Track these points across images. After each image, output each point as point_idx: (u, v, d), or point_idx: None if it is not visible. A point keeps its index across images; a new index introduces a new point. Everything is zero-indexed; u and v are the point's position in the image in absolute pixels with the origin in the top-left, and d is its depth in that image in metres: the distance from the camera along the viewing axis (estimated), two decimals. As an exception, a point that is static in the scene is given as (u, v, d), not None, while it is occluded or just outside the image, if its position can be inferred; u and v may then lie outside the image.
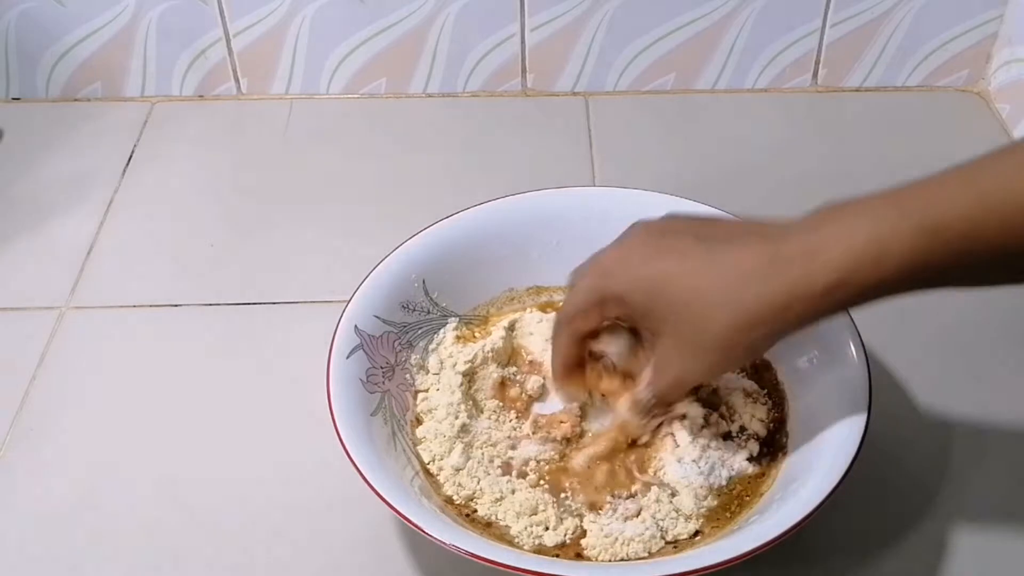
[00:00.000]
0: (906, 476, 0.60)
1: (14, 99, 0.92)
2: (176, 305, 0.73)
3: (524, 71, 0.90)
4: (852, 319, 0.58)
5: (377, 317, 0.60)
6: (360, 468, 0.51)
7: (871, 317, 0.54)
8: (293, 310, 0.72)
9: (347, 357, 0.58)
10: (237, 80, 0.91)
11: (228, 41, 0.88)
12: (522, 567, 0.48)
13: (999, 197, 0.44)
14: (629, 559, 0.53)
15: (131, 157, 0.86)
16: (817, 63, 0.90)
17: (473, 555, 0.48)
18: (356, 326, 0.59)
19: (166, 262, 0.76)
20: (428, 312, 0.63)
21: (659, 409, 0.57)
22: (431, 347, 0.63)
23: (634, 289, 0.51)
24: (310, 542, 0.58)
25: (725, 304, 0.48)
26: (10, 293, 0.74)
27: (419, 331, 0.63)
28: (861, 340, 0.57)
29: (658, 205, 0.65)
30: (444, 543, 0.49)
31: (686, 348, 0.51)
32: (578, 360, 0.57)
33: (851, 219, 0.46)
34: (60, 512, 0.60)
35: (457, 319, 0.65)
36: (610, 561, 0.53)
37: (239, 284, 0.74)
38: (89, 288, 0.74)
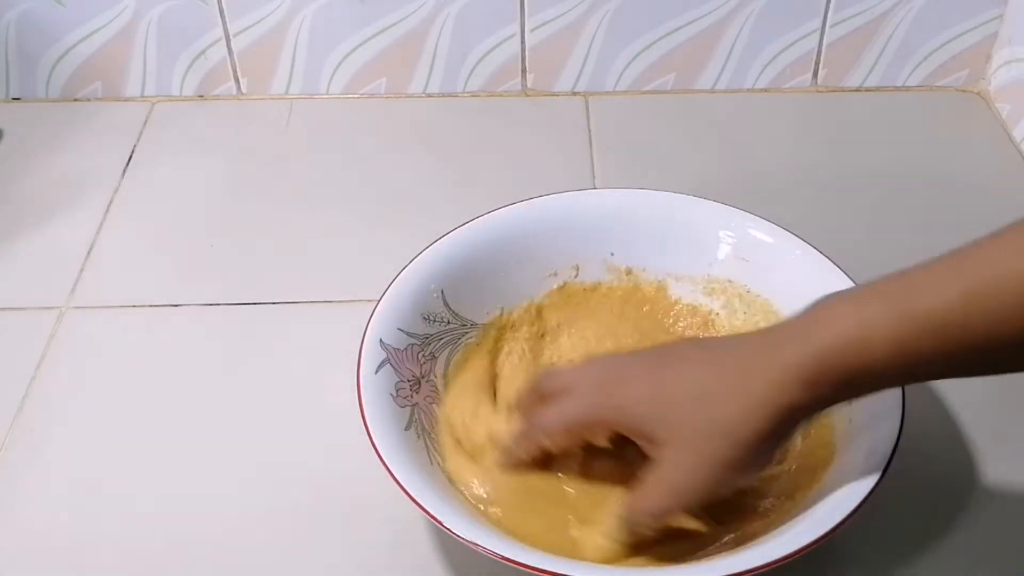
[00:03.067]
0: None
1: (14, 99, 0.92)
2: (176, 305, 0.73)
3: (524, 71, 0.90)
4: None
5: (401, 330, 0.60)
6: (407, 489, 0.51)
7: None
8: (293, 310, 0.72)
9: (376, 372, 0.57)
10: (237, 80, 0.91)
11: (228, 41, 0.88)
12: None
13: (983, 287, 0.44)
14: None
15: (131, 157, 0.86)
16: (817, 63, 0.90)
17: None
18: (381, 340, 0.58)
19: (166, 262, 0.76)
20: (448, 323, 0.63)
21: (652, 525, 0.53)
22: (453, 358, 0.63)
23: (638, 401, 0.51)
24: (311, 542, 0.58)
25: (733, 396, 0.48)
26: (10, 293, 0.74)
27: (441, 342, 0.62)
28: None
29: (677, 206, 0.66)
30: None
31: (697, 448, 0.50)
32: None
33: (840, 306, 0.47)
34: (60, 512, 0.60)
35: (478, 328, 0.64)
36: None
37: (239, 284, 0.74)
38: (89, 288, 0.74)
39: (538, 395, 0.56)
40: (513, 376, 0.63)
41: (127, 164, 0.85)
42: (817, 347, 0.47)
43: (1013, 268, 0.43)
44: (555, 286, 0.67)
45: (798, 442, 0.58)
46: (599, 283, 0.67)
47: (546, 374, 0.58)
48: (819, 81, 0.91)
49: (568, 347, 0.65)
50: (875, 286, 0.47)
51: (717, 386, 0.49)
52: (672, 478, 0.50)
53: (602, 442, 0.56)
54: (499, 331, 0.65)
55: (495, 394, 0.62)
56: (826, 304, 0.48)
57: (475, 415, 0.59)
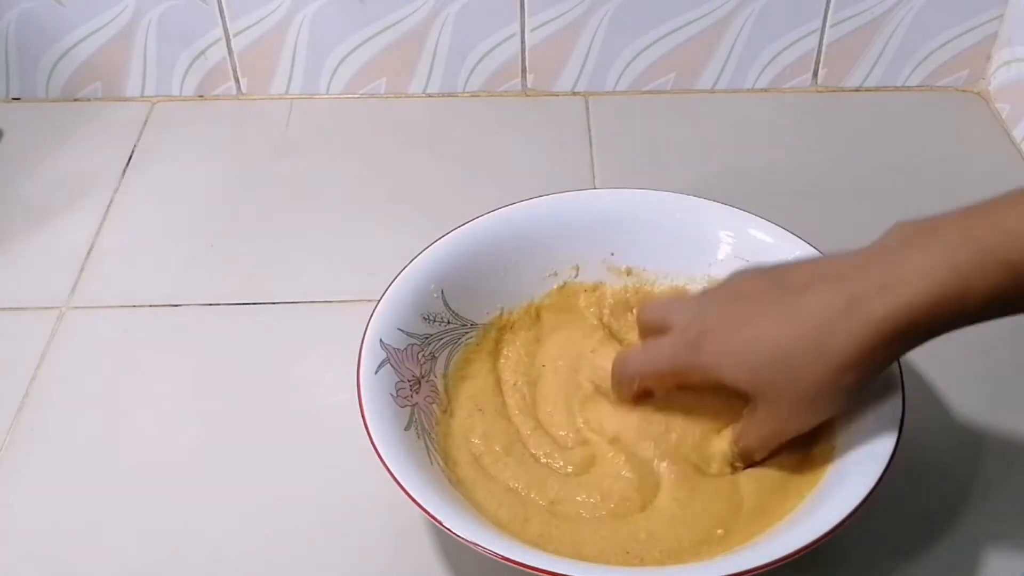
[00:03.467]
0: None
1: (14, 99, 0.92)
2: (176, 305, 0.73)
3: (524, 71, 0.90)
4: None
5: (401, 330, 0.60)
6: (407, 489, 0.51)
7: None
8: (293, 310, 0.72)
9: (376, 372, 0.57)
10: (237, 80, 0.91)
11: (228, 41, 0.88)
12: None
13: None
14: None
15: (131, 157, 0.86)
16: (817, 63, 0.90)
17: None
18: (381, 340, 0.58)
19: (166, 262, 0.76)
20: (448, 323, 0.63)
21: (742, 463, 0.56)
22: (453, 358, 0.63)
23: (721, 362, 0.51)
24: (311, 542, 0.58)
25: (812, 358, 0.48)
26: (10, 293, 0.74)
27: (441, 342, 0.62)
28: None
29: (677, 206, 0.66)
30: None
31: (780, 409, 0.51)
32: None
33: (931, 251, 0.45)
34: (60, 512, 0.60)
35: (478, 328, 0.64)
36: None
37: (239, 284, 0.74)
38: (89, 288, 0.74)
39: (642, 325, 0.58)
40: (515, 380, 0.63)
41: (127, 164, 0.85)
42: (909, 302, 0.45)
43: None
44: (555, 286, 0.67)
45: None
46: (599, 283, 0.67)
47: (647, 307, 0.58)
48: (819, 81, 0.91)
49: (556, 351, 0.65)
50: (963, 227, 0.45)
51: (795, 350, 0.48)
52: (755, 429, 0.53)
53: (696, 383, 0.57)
54: (499, 331, 0.65)
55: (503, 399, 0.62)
56: (913, 245, 0.46)
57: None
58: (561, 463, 0.58)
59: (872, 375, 0.49)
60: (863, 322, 0.46)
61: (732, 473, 0.56)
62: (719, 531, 0.54)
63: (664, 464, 0.57)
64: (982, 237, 0.44)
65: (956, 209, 0.46)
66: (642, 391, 0.58)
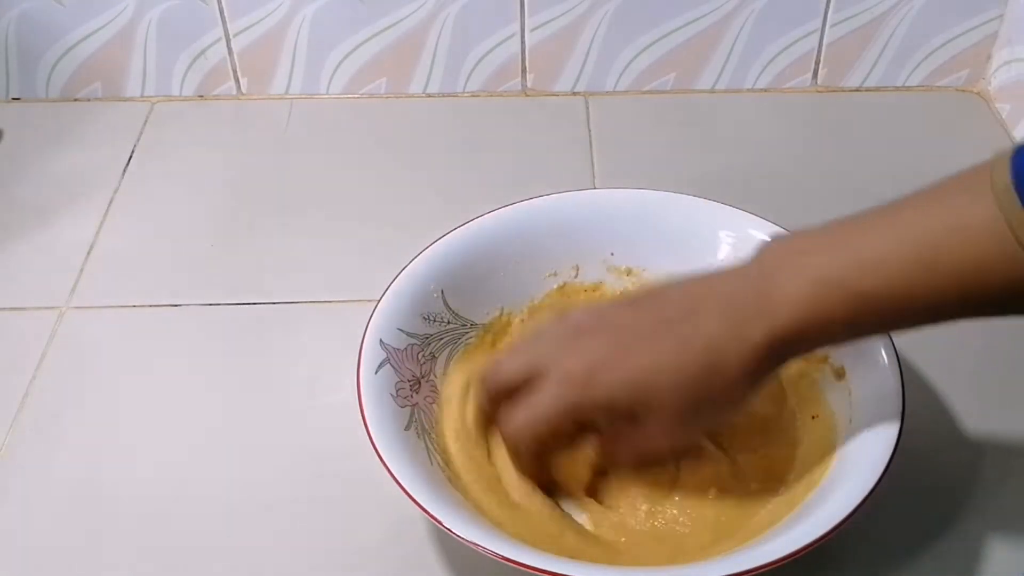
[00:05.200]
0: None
1: (14, 99, 0.92)
2: (176, 305, 0.73)
3: (524, 71, 0.90)
4: None
5: (401, 330, 0.60)
6: (407, 489, 0.51)
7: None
8: (293, 310, 0.72)
9: (376, 372, 0.57)
10: (237, 80, 0.91)
11: (228, 41, 0.88)
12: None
13: (934, 252, 0.47)
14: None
15: (131, 157, 0.86)
16: (817, 63, 0.90)
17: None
18: (381, 340, 0.58)
19: (166, 262, 0.76)
20: (448, 323, 0.63)
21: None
22: (453, 358, 0.63)
23: (617, 393, 0.52)
24: (311, 542, 0.58)
25: (709, 377, 0.51)
26: (10, 293, 0.74)
27: (441, 342, 0.62)
28: (894, 346, 0.57)
29: (677, 206, 0.66)
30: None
31: (682, 421, 0.52)
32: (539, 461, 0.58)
33: (795, 280, 0.49)
34: (60, 512, 0.60)
35: (478, 328, 0.64)
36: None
37: (239, 284, 0.74)
38: (89, 288, 0.74)
39: (498, 394, 0.56)
40: None
41: (127, 164, 0.85)
42: (782, 327, 0.49)
43: (962, 225, 0.46)
44: (555, 286, 0.67)
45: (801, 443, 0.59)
46: (599, 283, 0.67)
47: (493, 369, 0.56)
48: (819, 81, 0.91)
49: None
50: (828, 253, 0.49)
51: (695, 371, 0.51)
52: (655, 438, 0.54)
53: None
54: (499, 332, 0.65)
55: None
56: (783, 269, 0.50)
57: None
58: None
59: (760, 384, 0.52)
60: (747, 345, 0.50)
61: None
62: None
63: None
64: (839, 269, 0.48)
65: (826, 225, 0.50)
66: (540, 448, 0.56)
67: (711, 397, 0.51)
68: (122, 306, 0.73)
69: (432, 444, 0.57)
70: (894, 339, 0.57)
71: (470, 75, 0.90)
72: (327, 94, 0.91)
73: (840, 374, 0.59)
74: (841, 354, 0.59)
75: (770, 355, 0.50)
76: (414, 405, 0.58)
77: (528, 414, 0.54)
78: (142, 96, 0.92)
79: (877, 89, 0.91)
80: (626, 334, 0.52)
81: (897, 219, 0.48)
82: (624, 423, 0.53)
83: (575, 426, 0.55)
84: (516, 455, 0.56)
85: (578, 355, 0.53)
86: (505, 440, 0.56)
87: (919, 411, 0.59)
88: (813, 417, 0.59)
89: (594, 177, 0.82)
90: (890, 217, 0.49)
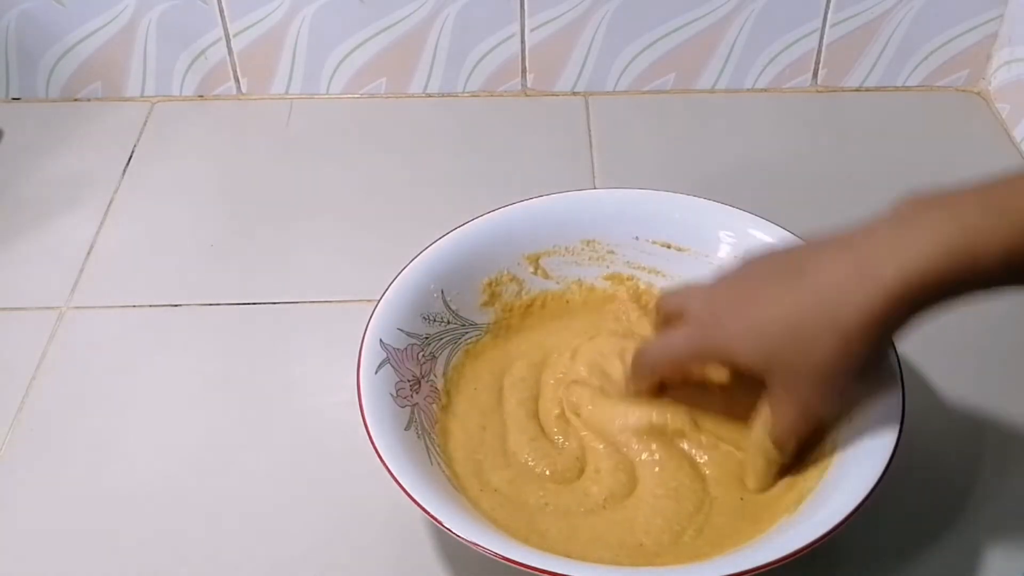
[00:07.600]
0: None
1: (14, 99, 0.92)
2: (176, 305, 0.73)
3: (524, 71, 0.90)
4: None
5: (401, 330, 0.60)
6: (407, 489, 0.51)
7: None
8: (293, 310, 0.72)
9: (376, 372, 0.57)
10: (237, 80, 0.91)
11: (228, 41, 0.88)
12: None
13: None
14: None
15: (131, 157, 0.86)
16: (817, 63, 0.90)
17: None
18: (381, 340, 0.58)
19: (166, 262, 0.76)
20: (448, 323, 0.63)
21: (779, 459, 0.55)
22: (453, 358, 0.63)
23: (739, 340, 0.51)
24: (311, 542, 0.58)
25: (824, 327, 0.48)
26: (10, 293, 0.74)
27: (441, 342, 0.62)
28: (894, 346, 0.57)
29: (677, 205, 0.66)
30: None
31: (797, 386, 0.51)
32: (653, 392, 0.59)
33: (936, 212, 0.45)
34: (60, 512, 0.60)
35: (478, 329, 0.64)
36: None
37: (239, 284, 0.74)
38: (89, 288, 0.74)
39: (661, 316, 0.59)
40: (514, 379, 0.63)
41: (127, 164, 0.85)
42: (920, 262, 0.44)
43: None
44: (555, 286, 0.67)
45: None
46: (599, 283, 0.67)
47: (664, 296, 0.59)
48: (819, 81, 0.91)
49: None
50: (977, 192, 0.45)
51: (807, 318, 0.48)
52: (783, 420, 0.52)
53: (716, 375, 0.58)
54: (499, 331, 0.65)
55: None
56: (926, 209, 0.45)
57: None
58: (558, 461, 0.58)
59: (883, 344, 0.49)
60: (873, 286, 0.45)
61: (773, 485, 0.56)
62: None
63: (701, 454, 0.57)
64: (995, 199, 0.44)
65: (975, 185, 0.46)
66: (659, 383, 0.58)
67: (827, 353, 0.48)
68: (122, 306, 0.73)
69: (432, 444, 0.57)
70: (894, 339, 0.57)
71: (470, 75, 0.90)
72: (327, 94, 0.91)
73: None
74: None
75: (902, 301, 0.45)
76: (414, 405, 0.58)
77: (659, 348, 0.57)
78: (142, 96, 0.92)
79: (877, 89, 0.91)
80: (752, 283, 0.53)
81: None
82: (755, 375, 0.52)
83: (699, 375, 0.58)
84: (636, 378, 0.58)
85: (710, 303, 0.54)
86: (632, 364, 0.58)
87: (919, 411, 0.59)
88: None
89: (594, 177, 0.82)
90: None
